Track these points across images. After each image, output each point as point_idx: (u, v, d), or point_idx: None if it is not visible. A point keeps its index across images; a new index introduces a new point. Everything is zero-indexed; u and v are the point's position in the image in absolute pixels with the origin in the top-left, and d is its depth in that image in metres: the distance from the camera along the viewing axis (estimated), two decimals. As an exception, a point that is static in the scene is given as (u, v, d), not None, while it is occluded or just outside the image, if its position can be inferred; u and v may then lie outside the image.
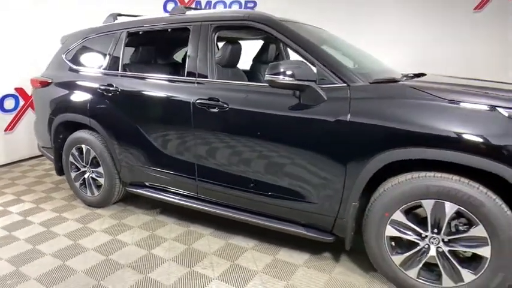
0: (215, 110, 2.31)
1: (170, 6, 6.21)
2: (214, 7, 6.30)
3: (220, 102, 2.30)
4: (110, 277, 2.17)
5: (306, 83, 1.96)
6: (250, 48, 3.32)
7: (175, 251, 2.45)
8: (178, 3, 6.21)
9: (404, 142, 1.77)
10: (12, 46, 4.44)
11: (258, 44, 3.42)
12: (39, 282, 2.12)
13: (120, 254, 2.43)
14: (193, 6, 6.24)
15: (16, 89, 4.58)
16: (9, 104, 4.56)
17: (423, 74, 2.64)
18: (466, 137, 1.64)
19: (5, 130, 4.56)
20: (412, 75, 2.60)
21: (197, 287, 2.06)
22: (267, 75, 1.97)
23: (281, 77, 1.95)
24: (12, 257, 2.40)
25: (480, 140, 1.62)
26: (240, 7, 6.32)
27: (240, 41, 3.22)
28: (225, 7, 6.33)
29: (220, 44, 2.76)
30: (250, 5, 6.32)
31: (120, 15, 3.17)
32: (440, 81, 2.18)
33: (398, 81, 2.08)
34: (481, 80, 2.40)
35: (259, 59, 3.34)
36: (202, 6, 6.30)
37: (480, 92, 1.84)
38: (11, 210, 3.20)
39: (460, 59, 4.85)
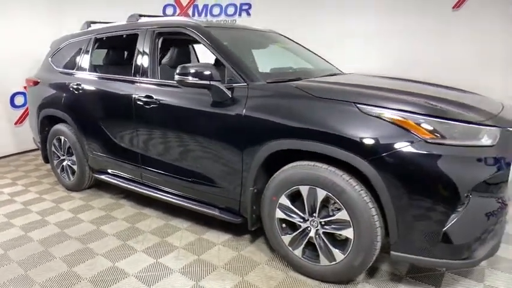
0: (150, 106, 2.65)
1: (169, 10, 6.64)
2: (211, 10, 6.64)
3: (154, 99, 2.63)
4: (57, 246, 2.58)
5: (212, 82, 2.23)
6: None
7: (118, 228, 2.82)
8: (177, 7, 6.63)
9: (280, 134, 2.00)
10: (22, 48, 5.04)
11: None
12: (0, 248, 2.57)
13: (74, 229, 2.83)
14: (190, 10, 6.62)
15: (25, 87, 5.18)
16: (18, 100, 5.19)
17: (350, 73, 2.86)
18: (325, 129, 1.85)
19: (15, 123, 5.21)
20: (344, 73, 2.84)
21: (123, 256, 2.41)
22: (176, 76, 2.26)
23: (190, 77, 2.24)
24: (-13, 227, 2.89)
25: (337, 132, 1.82)
26: (236, 9, 6.60)
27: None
28: (221, 10, 6.64)
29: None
30: (245, 7, 6.60)
31: (93, 22, 3.59)
32: (333, 81, 2.35)
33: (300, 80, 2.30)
34: (409, 81, 2.55)
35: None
36: (200, 10, 6.67)
37: (352, 89, 2.04)
38: (3, 191, 3.74)
39: (439, 58, 4.85)
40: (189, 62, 3.22)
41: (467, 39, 4.57)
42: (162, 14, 6.42)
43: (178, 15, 6.61)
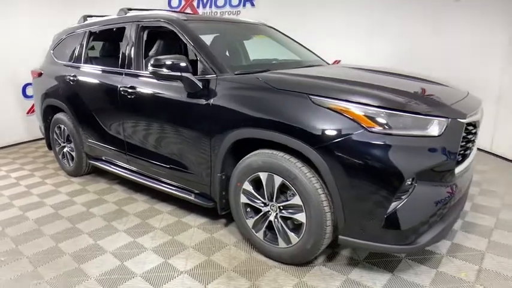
0: (132, 96, 2.82)
1: (174, 2, 6.78)
2: (215, 2, 6.72)
3: (136, 90, 2.80)
4: (48, 224, 2.81)
5: (183, 74, 2.36)
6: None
7: (107, 210, 3.03)
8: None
9: (242, 123, 2.12)
10: (34, 41, 5.31)
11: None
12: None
13: (66, 210, 3.07)
14: (195, 2, 6.72)
15: (36, 79, 5.49)
16: (30, 91, 5.49)
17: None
18: (279, 119, 1.95)
19: (27, 113, 5.54)
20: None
21: (105, 235, 2.62)
22: (149, 67, 2.40)
23: (163, 69, 2.38)
24: (-9, 207, 3.17)
25: (290, 122, 1.92)
26: (240, 0, 6.66)
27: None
28: (225, 1, 6.71)
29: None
30: (250, -3, 6.64)
31: (89, 16, 3.78)
32: (299, 72, 2.39)
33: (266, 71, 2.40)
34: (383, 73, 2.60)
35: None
36: (204, 1, 6.76)
37: (309, 81, 2.13)
38: (11, 175, 4.05)
39: (440, 48, 4.78)
40: (176, 54, 3.34)
41: (469, 29, 4.47)
42: (161, 8, 6.56)
43: (183, 7, 6.76)
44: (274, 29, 3.68)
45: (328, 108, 1.85)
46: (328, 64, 3.36)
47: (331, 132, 1.81)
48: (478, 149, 4.51)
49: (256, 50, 3.49)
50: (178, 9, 6.71)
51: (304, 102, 1.92)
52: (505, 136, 4.16)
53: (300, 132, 1.88)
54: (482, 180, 3.52)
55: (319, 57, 3.51)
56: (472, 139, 2.09)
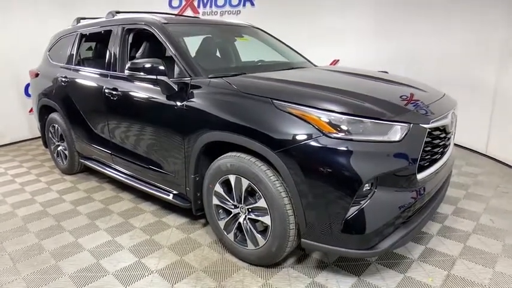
0: (115, 98, 2.88)
1: (175, 2, 6.84)
2: (215, 1, 6.77)
3: (118, 91, 2.86)
4: (35, 222, 2.91)
5: (158, 77, 2.40)
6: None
7: (92, 209, 3.11)
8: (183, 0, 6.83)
9: (211, 126, 2.15)
10: (36, 41, 5.44)
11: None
12: (-11, 221, 2.95)
13: (54, 208, 3.16)
14: (195, 2, 6.78)
15: (38, 78, 5.64)
16: (32, 90, 5.66)
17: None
18: (244, 123, 1.97)
19: (30, 111, 5.70)
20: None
21: (86, 233, 2.70)
22: (126, 71, 2.46)
23: (141, 72, 2.43)
24: (-17, 203, 3.29)
25: (254, 126, 1.94)
26: (240, 1, 6.68)
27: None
28: (225, 1, 6.75)
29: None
30: (250, -4, 6.66)
31: (83, 18, 3.86)
32: (270, 76, 2.36)
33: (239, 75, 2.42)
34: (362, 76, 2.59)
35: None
36: (205, 1, 6.81)
37: (274, 85, 2.14)
38: (9, 172, 4.19)
39: (437, 49, 4.71)
40: (162, 56, 3.39)
41: (465, 29, 4.39)
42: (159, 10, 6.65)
43: (183, 7, 6.83)
44: (263, 30, 3.69)
45: (289, 112, 1.86)
46: (315, 66, 3.36)
47: (291, 136, 1.82)
48: (474, 151, 4.43)
49: (244, 52, 3.51)
50: (178, 9, 6.79)
51: (268, 106, 1.93)
52: (500, 139, 4.07)
53: (263, 136, 1.90)
54: (472, 184, 3.46)
55: (306, 59, 3.51)
56: (440, 144, 2.07)
